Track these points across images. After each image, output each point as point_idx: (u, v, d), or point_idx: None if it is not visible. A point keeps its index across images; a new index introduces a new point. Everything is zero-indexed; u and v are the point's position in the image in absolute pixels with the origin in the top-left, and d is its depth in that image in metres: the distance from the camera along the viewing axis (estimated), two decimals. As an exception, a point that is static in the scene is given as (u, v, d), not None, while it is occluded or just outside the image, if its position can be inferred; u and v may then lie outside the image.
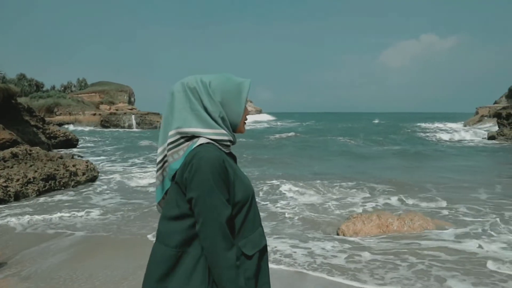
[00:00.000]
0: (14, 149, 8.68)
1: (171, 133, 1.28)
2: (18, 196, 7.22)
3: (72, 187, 8.51)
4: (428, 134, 29.86)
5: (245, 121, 1.41)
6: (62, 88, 48.89)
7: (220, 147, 1.28)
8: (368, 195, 7.84)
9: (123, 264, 4.15)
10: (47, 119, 34.57)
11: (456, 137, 25.73)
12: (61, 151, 16.79)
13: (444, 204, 6.72)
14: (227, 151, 1.32)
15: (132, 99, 49.20)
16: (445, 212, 6.21)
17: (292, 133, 29.36)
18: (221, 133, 1.28)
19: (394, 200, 7.17)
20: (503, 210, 6.23)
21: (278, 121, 58.91)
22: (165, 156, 1.31)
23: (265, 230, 1.42)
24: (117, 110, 41.01)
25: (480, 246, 4.44)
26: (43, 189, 7.78)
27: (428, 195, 7.67)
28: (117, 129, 35.55)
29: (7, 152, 8.44)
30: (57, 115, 36.80)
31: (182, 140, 1.27)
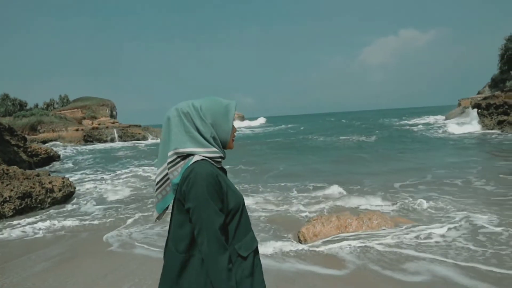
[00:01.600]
0: (-10, 169, 8.74)
1: (170, 153, 1.47)
2: (-6, 216, 7.30)
3: (49, 203, 8.61)
4: (405, 130, 30.36)
5: (233, 138, 1.60)
6: (45, 106, 48.40)
7: (212, 163, 1.48)
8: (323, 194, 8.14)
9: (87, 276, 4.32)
10: (31, 137, 34.38)
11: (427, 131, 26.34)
12: (44, 168, 16.80)
13: (406, 201, 7.02)
14: (218, 166, 1.52)
15: (114, 112, 49.00)
16: (407, 208, 6.54)
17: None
18: (213, 151, 1.48)
19: (355, 199, 7.41)
20: (468, 208, 6.56)
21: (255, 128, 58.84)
22: (166, 174, 1.51)
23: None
24: (99, 124, 40.83)
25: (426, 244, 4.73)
26: (20, 207, 7.86)
27: (394, 192, 7.99)
28: (100, 144, 35.43)
29: (-18, 173, 8.50)
30: (40, 133, 36.47)
31: (178, 159, 1.46)
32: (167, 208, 1.61)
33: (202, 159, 1.44)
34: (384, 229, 5.04)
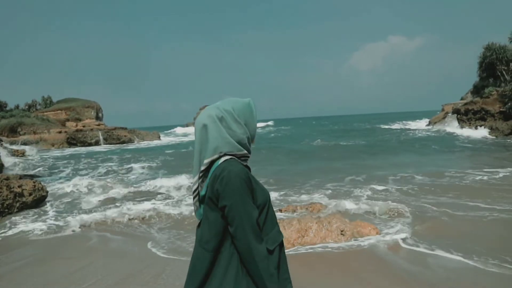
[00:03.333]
0: (-44, 173, 8.55)
1: (205, 161, 1.50)
2: (-44, 221, 7.14)
3: (17, 208, 8.45)
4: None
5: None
6: (27, 107, 47.63)
7: (240, 161, 1.52)
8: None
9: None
10: (10, 139, 33.73)
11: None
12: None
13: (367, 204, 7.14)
14: (245, 163, 1.56)
15: (100, 114, 48.44)
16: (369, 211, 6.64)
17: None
18: (242, 153, 1.54)
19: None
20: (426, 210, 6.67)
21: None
22: (198, 185, 1.53)
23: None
24: (84, 126, 40.29)
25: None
26: (-16, 212, 7.71)
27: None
28: (83, 147, 34.98)
29: None
30: (21, 135, 35.80)
31: (208, 166, 1.50)
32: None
33: (230, 158, 1.49)
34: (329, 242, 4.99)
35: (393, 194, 8.36)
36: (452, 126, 24.34)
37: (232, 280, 1.42)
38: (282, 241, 1.59)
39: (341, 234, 5.02)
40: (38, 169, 18.08)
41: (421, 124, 26.55)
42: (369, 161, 14.23)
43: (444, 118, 37.43)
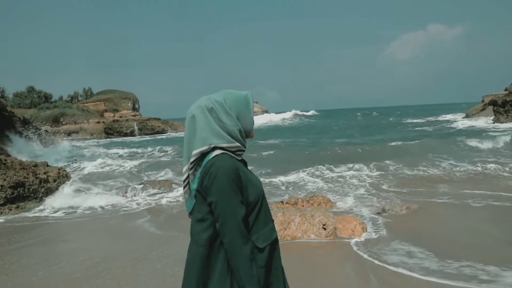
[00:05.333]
0: (-10, 159, 9.37)
1: (194, 152, 1.47)
2: (-15, 203, 7.87)
3: (42, 193, 9.15)
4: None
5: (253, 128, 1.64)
6: (69, 98, 50.26)
7: (233, 155, 1.49)
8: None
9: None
10: (53, 128, 35.85)
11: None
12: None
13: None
14: (239, 159, 1.53)
15: (137, 105, 50.23)
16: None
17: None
18: (234, 146, 1.50)
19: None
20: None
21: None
22: (189, 175, 1.51)
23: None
24: (120, 117, 42.08)
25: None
26: (11, 196, 8.41)
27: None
28: (120, 137, 36.59)
29: (-17, 161, 9.14)
30: (63, 125, 38.00)
31: (200, 157, 1.48)
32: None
33: (222, 153, 1.46)
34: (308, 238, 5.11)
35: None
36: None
37: (217, 276, 1.43)
38: (275, 239, 1.55)
39: (323, 228, 5.11)
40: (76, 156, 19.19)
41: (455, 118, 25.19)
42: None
43: (482, 110, 35.52)
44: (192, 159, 1.47)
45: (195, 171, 1.49)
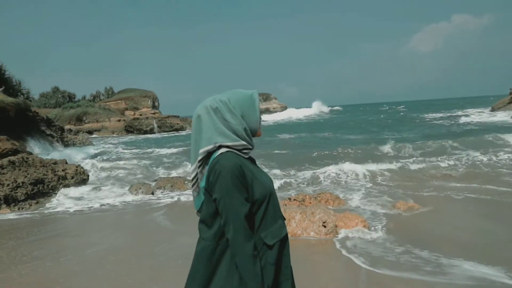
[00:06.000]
0: (12, 157, 9.83)
1: (201, 151, 1.52)
2: (8, 200, 8.28)
3: (60, 190, 9.54)
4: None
5: (260, 126, 1.66)
6: (92, 98, 51.64)
7: (239, 154, 1.52)
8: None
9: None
10: (77, 127, 36.98)
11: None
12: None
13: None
14: (246, 157, 1.56)
15: (156, 103, 51.09)
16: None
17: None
18: (240, 144, 1.52)
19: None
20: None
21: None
22: (197, 173, 1.56)
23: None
24: (140, 115, 43.00)
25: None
26: (31, 192, 8.82)
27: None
28: (140, 134, 37.38)
29: (5, 160, 9.60)
30: (85, 123, 39.13)
31: (206, 156, 1.52)
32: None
33: (227, 151, 1.49)
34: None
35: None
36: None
37: (224, 272, 1.46)
38: (285, 236, 1.57)
39: (323, 225, 5.18)
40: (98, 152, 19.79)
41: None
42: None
43: (510, 103, 34.05)
44: (199, 158, 1.52)
45: (203, 170, 1.53)
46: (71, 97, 48.29)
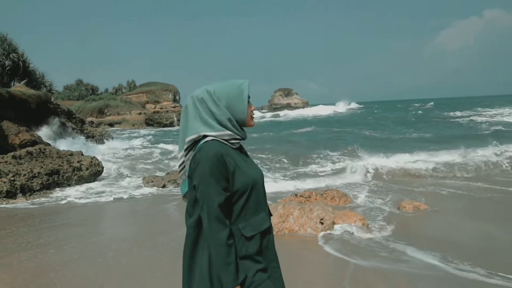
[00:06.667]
0: (30, 148, 10.22)
1: (187, 140, 1.55)
2: (24, 189, 8.62)
3: (75, 180, 9.86)
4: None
5: (253, 116, 1.65)
6: (114, 91, 52.75)
7: (226, 143, 1.53)
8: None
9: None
10: (99, 119, 37.92)
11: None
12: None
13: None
14: (234, 147, 1.56)
15: (177, 97, 51.77)
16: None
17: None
18: (225, 134, 1.54)
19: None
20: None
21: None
22: (184, 161, 1.60)
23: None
24: (161, 108, 43.70)
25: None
26: (47, 182, 9.16)
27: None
28: (160, 127, 38.01)
29: (23, 151, 9.99)
30: (107, 116, 40.06)
31: (193, 144, 1.55)
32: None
33: (212, 139, 1.51)
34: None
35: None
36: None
37: (206, 261, 1.47)
38: (266, 229, 1.56)
39: (320, 222, 5.19)
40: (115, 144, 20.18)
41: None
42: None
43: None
44: (185, 146, 1.56)
45: (189, 160, 1.56)
46: (94, 90, 49.52)
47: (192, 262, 1.53)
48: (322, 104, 73.47)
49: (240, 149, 1.62)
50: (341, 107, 68.84)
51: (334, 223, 5.26)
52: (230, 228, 1.46)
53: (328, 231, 5.12)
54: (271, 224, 1.63)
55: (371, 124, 29.90)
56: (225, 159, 1.47)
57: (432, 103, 69.95)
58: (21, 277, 3.83)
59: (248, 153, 1.72)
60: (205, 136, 1.52)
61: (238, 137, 1.57)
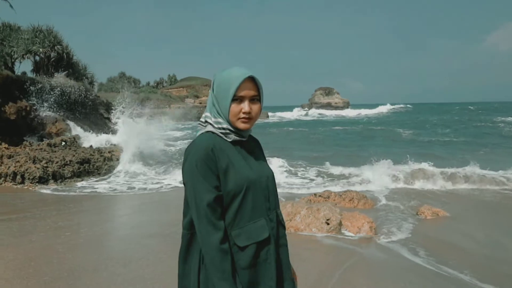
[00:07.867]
0: (64, 137, 10.81)
1: (198, 122, 1.48)
2: (55, 176, 9.11)
3: (105, 170, 10.29)
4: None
5: (242, 118, 1.37)
6: (155, 84, 54.41)
7: (221, 135, 1.38)
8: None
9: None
10: (138, 112, 39.27)
11: None
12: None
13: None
14: (229, 140, 1.39)
15: (217, 92, 52.70)
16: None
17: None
18: (216, 121, 1.39)
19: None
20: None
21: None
22: None
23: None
24: (200, 103, 44.55)
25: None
26: (78, 170, 9.63)
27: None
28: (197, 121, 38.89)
29: (58, 139, 10.60)
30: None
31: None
32: None
33: (207, 131, 1.38)
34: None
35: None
36: None
37: (197, 266, 1.35)
38: (265, 240, 1.35)
39: (326, 223, 5.09)
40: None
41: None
42: None
43: None
44: (198, 128, 1.46)
45: None
46: (136, 83, 51.31)
47: (186, 267, 1.40)
48: (364, 107, 71.34)
49: (244, 145, 1.44)
50: (382, 109, 67.01)
51: (341, 224, 5.15)
52: (224, 231, 1.30)
53: (334, 233, 5.02)
54: (277, 234, 1.42)
55: (412, 125, 28.80)
56: (217, 155, 1.31)
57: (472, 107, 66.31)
58: (25, 256, 4.06)
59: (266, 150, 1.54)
60: (206, 122, 1.41)
61: (227, 130, 1.39)
